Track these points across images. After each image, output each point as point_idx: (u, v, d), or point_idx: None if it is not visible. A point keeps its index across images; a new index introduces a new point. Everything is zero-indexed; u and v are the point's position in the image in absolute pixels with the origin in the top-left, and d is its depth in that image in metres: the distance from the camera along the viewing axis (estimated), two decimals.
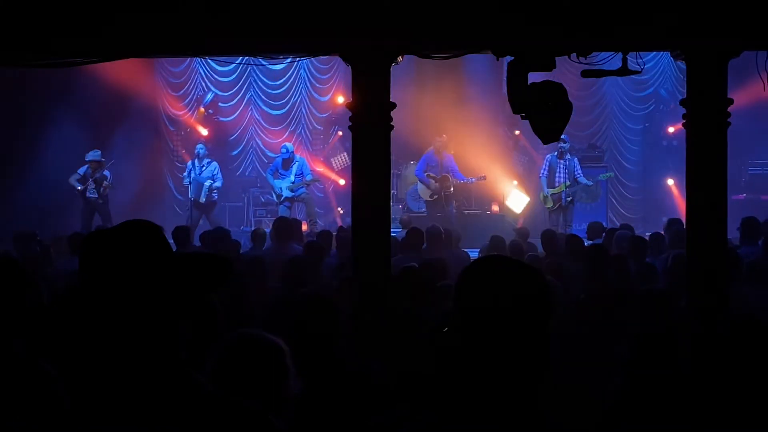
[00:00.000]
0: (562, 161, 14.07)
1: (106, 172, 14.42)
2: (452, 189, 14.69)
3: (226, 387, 2.44)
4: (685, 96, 6.57)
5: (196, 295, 2.24)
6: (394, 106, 6.77)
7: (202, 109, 17.33)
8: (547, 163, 14.26)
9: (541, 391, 2.11)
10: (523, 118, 6.29)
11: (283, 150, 14.84)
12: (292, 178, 14.44)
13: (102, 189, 14.25)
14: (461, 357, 2.12)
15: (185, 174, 15.00)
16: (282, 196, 14.49)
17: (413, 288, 6.17)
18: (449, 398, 2.15)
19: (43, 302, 5.18)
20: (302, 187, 14.57)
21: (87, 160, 14.31)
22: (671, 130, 16.48)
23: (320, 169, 17.14)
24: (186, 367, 2.18)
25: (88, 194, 14.22)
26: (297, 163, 14.65)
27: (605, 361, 5.24)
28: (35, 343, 3.79)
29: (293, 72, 17.31)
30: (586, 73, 6.45)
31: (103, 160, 14.43)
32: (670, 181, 16.49)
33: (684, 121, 6.48)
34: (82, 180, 14.28)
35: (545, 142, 6.71)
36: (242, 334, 3.25)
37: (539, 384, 2.09)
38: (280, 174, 14.63)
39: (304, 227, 13.21)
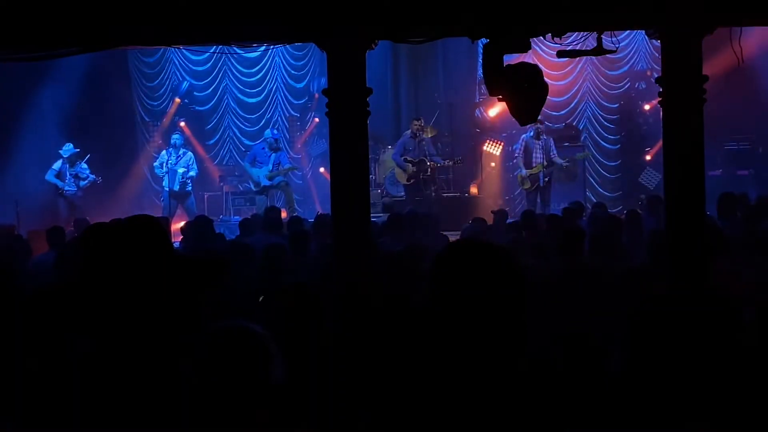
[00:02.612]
0: (538, 141, 14.11)
1: (84, 166, 14.31)
2: (430, 172, 14.70)
3: (210, 378, 2.44)
4: (659, 72, 6.60)
5: (192, 293, 2.24)
6: (370, 91, 6.75)
7: (177, 99, 17.21)
8: (523, 144, 14.29)
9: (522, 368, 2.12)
10: (499, 100, 6.29)
11: (268, 135, 14.80)
12: (270, 166, 14.44)
13: (84, 183, 14.14)
14: (440, 341, 2.13)
15: (156, 164, 14.93)
16: (260, 184, 14.49)
17: (396, 272, 6.17)
18: (430, 381, 2.16)
19: (22, 297, 5.15)
20: (280, 176, 14.56)
21: (64, 156, 14.18)
22: (647, 107, 16.55)
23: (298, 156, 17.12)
24: (174, 357, 2.18)
25: (66, 189, 14.10)
26: (273, 155, 14.65)
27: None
28: (15, 337, 3.76)
29: (268, 59, 17.22)
30: (561, 54, 6.46)
31: (77, 150, 14.31)
32: (648, 158, 16.58)
33: (660, 99, 6.51)
34: (59, 176, 14.16)
35: (522, 124, 6.73)
36: (225, 325, 3.23)
37: (518, 362, 2.10)
38: (258, 163, 14.60)
39: (283, 215, 13.24)
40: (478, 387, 2.07)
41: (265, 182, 14.49)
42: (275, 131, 15.11)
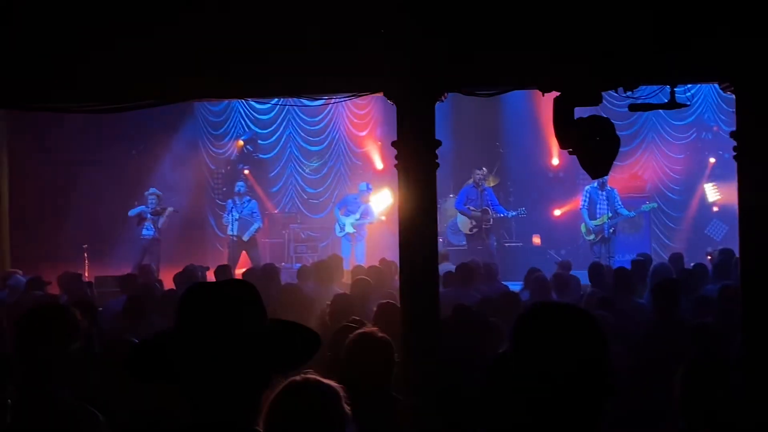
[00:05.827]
0: (602, 192, 13.96)
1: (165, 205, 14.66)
2: (492, 222, 14.64)
3: None
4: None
5: (283, 367, 2.25)
6: (439, 143, 6.76)
7: (240, 142, 17.47)
8: (588, 195, 14.16)
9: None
10: (570, 153, 6.23)
11: (363, 187, 15.43)
12: (358, 215, 15.15)
13: (163, 219, 14.40)
14: (518, 399, 2.12)
15: (225, 214, 15.13)
16: (344, 230, 15.14)
17: (465, 326, 6.11)
18: None
19: (93, 348, 5.20)
20: (363, 227, 15.16)
21: (151, 193, 14.48)
22: (712, 160, 16.33)
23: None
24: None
25: (144, 232, 14.37)
26: (363, 205, 15.23)
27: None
28: (84, 390, 3.79)
29: (331, 108, 17.40)
30: (633, 108, 6.40)
31: (161, 193, 14.68)
32: (715, 209, 16.36)
33: (735, 153, 6.40)
34: (137, 219, 14.44)
35: (594, 177, 6.67)
36: (297, 380, 3.21)
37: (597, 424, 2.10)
38: (348, 211, 15.29)
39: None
40: None
41: (349, 229, 15.16)
42: (369, 185, 15.61)
